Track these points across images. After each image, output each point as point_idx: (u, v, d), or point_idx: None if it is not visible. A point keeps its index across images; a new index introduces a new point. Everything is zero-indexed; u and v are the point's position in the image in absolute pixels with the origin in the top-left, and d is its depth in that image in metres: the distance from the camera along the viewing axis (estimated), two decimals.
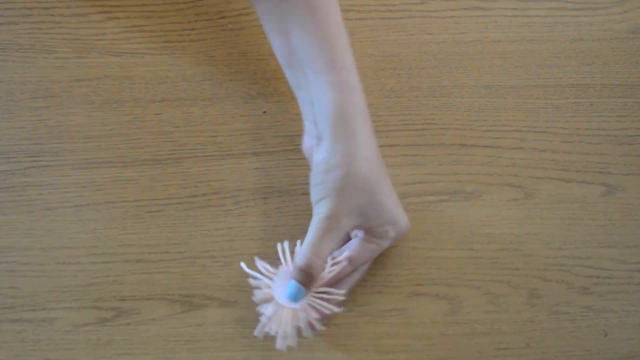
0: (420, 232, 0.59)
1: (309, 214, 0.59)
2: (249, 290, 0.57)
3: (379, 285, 0.58)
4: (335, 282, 0.54)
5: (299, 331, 0.51)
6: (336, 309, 0.52)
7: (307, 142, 0.55)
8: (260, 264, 0.53)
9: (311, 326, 0.52)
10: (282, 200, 0.60)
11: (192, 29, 0.67)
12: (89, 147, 0.62)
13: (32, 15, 0.66)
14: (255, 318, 0.57)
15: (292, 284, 0.51)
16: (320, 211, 0.52)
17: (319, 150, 0.53)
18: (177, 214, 0.60)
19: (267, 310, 0.52)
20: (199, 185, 0.61)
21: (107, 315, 0.57)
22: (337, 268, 0.53)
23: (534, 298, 0.57)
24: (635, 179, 0.61)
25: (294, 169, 0.61)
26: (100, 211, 0.60)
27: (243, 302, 0.57)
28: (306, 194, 0.60)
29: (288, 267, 0.52)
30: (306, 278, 0.51)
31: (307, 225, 0.59)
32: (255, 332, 0.52)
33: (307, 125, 0.55)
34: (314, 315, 0.51)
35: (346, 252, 0.54)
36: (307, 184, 0.61)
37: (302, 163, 0.61)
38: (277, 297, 0.51)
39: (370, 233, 0.54)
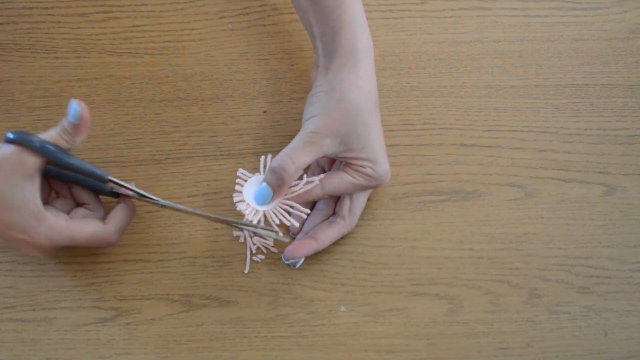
0: (420, 232, 0.59)
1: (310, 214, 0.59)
2: (249, 290, 0.58)
3: (379, 285, 0.58)
4: (304, 205, 0.56)
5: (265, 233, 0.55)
6: (295, 224, 0.57)
7: (314, 72, 0.59)
8: (240, 171, 0.56)
9: (274, 232, 0.55)
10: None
11: (192, 29, 0.67)
12: (88, 147, 0.62)
13: (32, 15, 0.66)
14: (256, 318, 0.57)
15: (261, 186, 0.54)
16: (309, 125, 0.55)
17: (323, 76, 0.56)
18: (177, 214, 0.60)
19: (240, 209, 0.55)
20: (199, 185, 0.61)
21: (107, 315, 0.57)
22: (308, 186, 0.55)
23: (534, 298, 0.58)
24: (635, 179, 0.61)
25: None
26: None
27: (243, 302, 0.57)
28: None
29: (262, 175, 0.56)
30: (276, 180, 0.54)
31: None
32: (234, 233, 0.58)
33: (317, 58, 0.58)
34: (276, 220, 0.55)
35: (322, 175, 0.56)
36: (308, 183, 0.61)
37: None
38: (247, 198, 0.55)
39: (349, 165, 0.56)
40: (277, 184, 0.54)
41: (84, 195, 0.56)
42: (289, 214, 0.56)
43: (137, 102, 0.64)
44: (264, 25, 0.67)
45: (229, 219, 0.56)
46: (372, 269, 0.58)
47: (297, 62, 0.65)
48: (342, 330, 0.56)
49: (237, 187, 0.56)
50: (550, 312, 0.57)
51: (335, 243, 0.59)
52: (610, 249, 0.59)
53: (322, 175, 0.56)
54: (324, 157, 0.56)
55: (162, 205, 0.56)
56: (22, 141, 0.51)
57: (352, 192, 0.57)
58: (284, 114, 0.63)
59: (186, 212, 0.56)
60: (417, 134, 0.63)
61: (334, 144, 0.54)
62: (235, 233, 0.59)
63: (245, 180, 0.56)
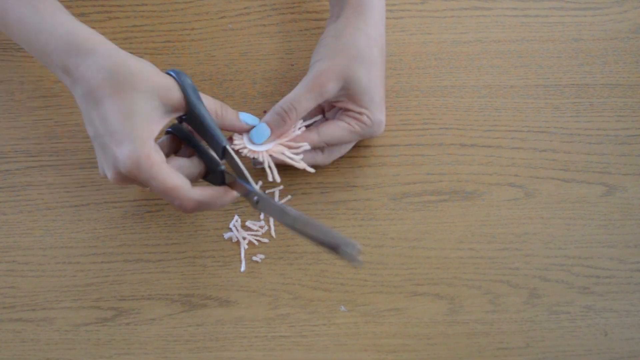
0: (420, 232, 0.59)
1: (309, 214, 0.59)
2: (249, 290, 0.58)
3: (379, 285, 0.58)
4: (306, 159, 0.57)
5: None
6: (297, 159, 0.55)
7: (329, 19, 0.60)
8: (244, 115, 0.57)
9: (271, 169, 0.55)
10: (283, 200, 0.60)
11: (192, 29, 0.67)
12: (88, 147, 0.62)
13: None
14: (256, 318, 0.57)
15: (260, 125, 0.56)
16: (314, 68, 0.56)
17: (333, 24, 0.58)
18: (177, 214, 0.60)
19: (235, 146, 0.55)
20: (198, 185, 0.61)
21: (107, 315, 0.57)
22: (305, 130, 0.56)
23: (534, 298, 0.57)
24: (635, 179, 0.61)
25: (294, 169, 0.61)
26: (100, 211, 0.60)
27: (243, 302, 0.57)
28: (306, 193, 0.60)
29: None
30: (276, 121, 0.55)
31: None
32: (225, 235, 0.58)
33: (331, 9, 0.61)
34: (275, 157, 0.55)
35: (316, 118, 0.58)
36: (308, 183, 0.61)
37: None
38: (246, 138, 0.56)
39: (346, 113, 0.57)
40: (276, 125, 0.55)
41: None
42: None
43: None
44: (264, 25, 0.67)
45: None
46: (372, 269, 0.58)
47: (297, 62, 0.65)
48: (342, 330, 0.56)
49: (235, 140, 0.56)
50: (550, 312, 0.57)
51: None
52: (610, 249, 0.59)
53: (317, 118, 0.58)
54: (325, 102, 0.57)
55: (259, 201, 0.52)
56: (179, 78, 0.52)
57: (347, 140, 0.58)
58: None
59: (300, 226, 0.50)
60: (417, 134, 0.63)
61: (336, 88, 0.56)
62: (226, 235, 0.59)
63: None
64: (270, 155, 0.56)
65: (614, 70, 0.65)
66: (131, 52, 0.65)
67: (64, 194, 0.60)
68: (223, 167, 0.53)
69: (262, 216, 0.59)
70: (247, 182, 0.52)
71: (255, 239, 0.59)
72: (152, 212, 0.60)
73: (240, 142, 0.56)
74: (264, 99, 0.64)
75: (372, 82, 0.56)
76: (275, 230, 0.59)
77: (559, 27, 0.67)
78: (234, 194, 0.53)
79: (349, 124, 0.57)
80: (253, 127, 0.56)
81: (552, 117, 0.64)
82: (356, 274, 0.58)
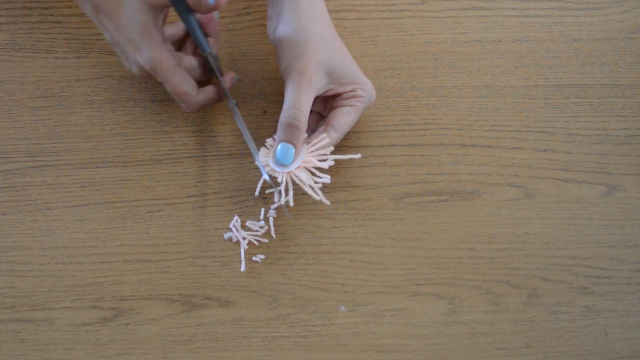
0: (420, 232, 0.59)
1: (310, 213, 0.60)
2: (249, 290, 0.58)
3: (379, 285, 0.58)
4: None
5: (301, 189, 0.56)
6: (327, 178, 0.55)
7: (270, 26, 0.60)
8: (268, 142, 0.58)
9: (311, 184, 0.55)
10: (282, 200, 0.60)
11: None
12: (88, 147, 0.62)
13: (32, 15, 0.66)
14: (256, 318, 0.57)
15: (278, 146, 0.55)
16: (291, 71, 0.56)
17: (280, 24, 0.58)
18: (177, 214, 0.60)
19: (266, 176, 0.56)
20: (199, 185, 0.61)
21: (107, 315, 0.57)
22: (324, 141, 0.56)
23: (534, 298, 0.58)
24: (635, 179, 0.61)
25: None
26: (100, 211, 0.60)
27: (243, 302, 0.57)
28: (307, 193, 0.60)
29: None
30: (291, 133, 0.55)
31: (309, 224, 0.59)
32: (225, 235, 0.58)
33: (269, 10, 0.61)
34: (308, 170, 0.56)
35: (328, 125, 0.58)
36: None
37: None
38: (272, 163, 0.56)
39: (342, 97, 0.58)
40: (294, 137, 0.55)
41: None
42: (312, 174, 0.57)
43: (137, 102, 0.64)
44: (264, 25, 0.67)
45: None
46: (372, 269, 0.58)
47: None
48: (342, 330, 0.56)
49: (260, 159, 0.57)
50: (550, 312, 0.57)
51: (336, 243, 0.59)
52: (610, 249, 0.59)
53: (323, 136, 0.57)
54: (316, 96, 0.57)
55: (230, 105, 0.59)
56: None
57: (356, 120, 0.59)
58: None
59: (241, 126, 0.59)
60: (417, 134, 0.63)
61: (321, 78, 0.56)
62: (226, 235, 0.59)
63: (266, 156, 0.57)
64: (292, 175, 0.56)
65: (614, 70, 0.65)
66: None
67: (64, 194, 0.60)
68: (214, 56, 0.59)
69: (262, 216, 0.59)
70: (223, 87, 0.59)
71: (255, 239, 0.59)
72: (152, 212, 0.60)
73: (269, 169, 0.56)
74: (264, 99, 0.64)
75: (344, 59, 0.58)
76: (275, 231, 0.59)
77: (559, 27, 0.67)
78: (221, 95, 0.60)
79: (351, 105, 0.58)
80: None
81: (552, 117, 0.64)
82: (356, 274, 0.58)
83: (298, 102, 0.55)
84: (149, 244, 0.59)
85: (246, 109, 0.63)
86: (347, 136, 0.62)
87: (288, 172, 0.55)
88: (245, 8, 0.67)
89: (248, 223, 0.59)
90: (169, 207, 0.60)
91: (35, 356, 0.56)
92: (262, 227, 0.59)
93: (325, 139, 0.56)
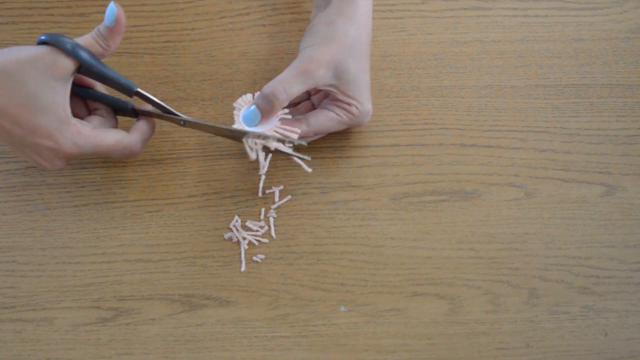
0: (420, 232, 0.59)
1: (309, 214, 0.60)
2: (249, 290, 0.58)
3: (379, 285, 0.58)
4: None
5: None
6: (294, 136, 0.56)
7: (314, 11, 0.61)
8: (245, 96, 0.58)
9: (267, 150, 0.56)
10: (282, 200, 0.60)
11: (192, 29, 0.67)
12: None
13: (32, 15, 0.66)
14: (256, 318, 0.57)
15: (250, 108, 0.56)
16: (306, 53, 0.56)
17: (322, 12, 0.58)
18: (177, 214, 0.60)
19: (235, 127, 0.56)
20: (199, 185, 0.61)
21: (107, 315, 0.57)
22: (294, 120, 0.57)
23: (534, 298, 0.58)
24: (635, 179, 0.61)
25: (294, 169, 0.61)
26: (100, 211, 0.60)
27: (243, 302, 0.57)
28: (307, 193, 0.60)
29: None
30: (265, 104, 0.55)
31: (309, 224, 0.60)
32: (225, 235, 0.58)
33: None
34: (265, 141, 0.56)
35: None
36: (308, 183, 0.61)
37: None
38: (239, 118, 0.56)
39: (335, 102, 0.58)
40: (266, 109, 0.56)
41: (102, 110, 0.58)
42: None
43: (137, 102, 0.64)
44: (264, 25, 0.67)
45: (242, 129, 0.56)
46: (372, 269, 0.58)
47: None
48: (342, 330, 0.56)
49: (235, 111, 0.57)
50: (550, 312, 0.57)
51: (336, 243, 0.59)
52: (610, 249, 0.59)
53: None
54: (313, 88, 0.57)
55: (184, 123, 0.57)
56: (55, 42, 0.51)
57: (335, 129, 0.59)
58: None
59: (208, 126, 0.57)
60: (417, 134, 0.63)
61: (327, 76, 0.56)
62: (226, 235, 0.59)
63: (245, 105, 0.57)
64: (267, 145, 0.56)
65: (614, 70, 0.65)
66: (131, 52, 0.65)
67: (64, 194, 0.60)
68: (132, 104, 0.58)
69: (262, 216, 0.59)
70: (171, 111, 0.57)
71: (255, 239, 0.59)
72: (152, 212, 0.60)
73: (237, 125, 0.56)
74: None
75: (361, 71, 0.57)
76: (275, 231, 0.59)
77: (559, 27, 0.67)
78: (154, 119, 0.59)
79: (337, 114, 0.58)
80: (115, 18, 0.53)
81: (552, 117, 0.64)
82: (356, 274, 0.58)
83: (289, 82, 0.55)
84: (149, 244, 0.59)
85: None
86: (347, 136, 0.62)
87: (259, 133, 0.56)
88: (245, 8, 0.68)
89: (248, 223, 0.59)
90: (169, 207, 0.60)
91: (35, 356, 0.56)
92: (262, 227, 0.59)
93: (295, 131, 0.56)
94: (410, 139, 0.63)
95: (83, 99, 0.58)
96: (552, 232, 0.60)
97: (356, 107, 0.58)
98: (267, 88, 0.55)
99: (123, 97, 0.58)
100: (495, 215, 0.60)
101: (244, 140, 0.56)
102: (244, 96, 0.58)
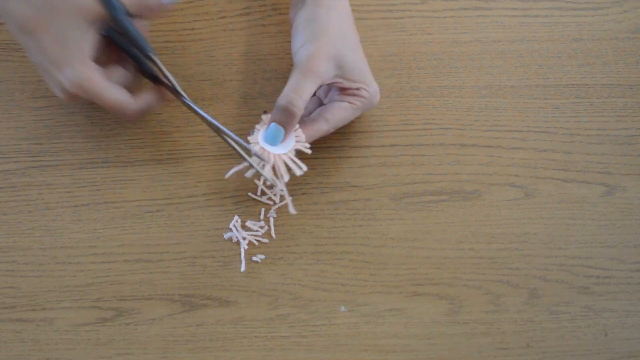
0: (420, 232, 0.59)
1: (309, 214, 0.60)
2: (249, 290, 0.58)
3: (379, 285, 0.58)
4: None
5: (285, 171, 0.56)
6: (304, 167, 0.56)
7: (292, 11, 0.61)
8: (265, 116, 0.57)
9: (293, 166, 0.56)
10: (282, 201, 0.60)
11: (192, 29, 0.67)
12: (89, 147, 0.62)
13: None
14: (256, 318, 0.57)
15: (270, 126, 0.55)
16: (302, 54, 0.56)
17: (301, 9, 0.59)
18: (177, 214, 0.60)
19: (254, 150, 0.55)
20: (199, 185, 0.61)
21: (107, 315, 0.57)
22: (313, 120, 0.57)
23: (534, 298, 0.58)
24: (635, 179, 0.61)
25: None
26: (100, 211, 0.60)
27: (243, 302, 0.57)
28: (307, 193, 0.60)
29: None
30: (286, 117, 0.55)
31: (309, 224, 0.60)
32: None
33: None
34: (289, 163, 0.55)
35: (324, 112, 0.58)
36: (308, 184, 0.61)
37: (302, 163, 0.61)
38: (260, 141, 0.56)
39: (345, 92, 0.58)
40: (286, 121, 0.55)
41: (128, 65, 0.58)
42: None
43: None
44: (264, 25, 0.67)
45: (232, 135, 0.56)
46: (372, 269, 0.58)
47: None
48: (342, 331, 0.56)
49: (251, 136, 0.56)
50: (550, 312, 0.57)
51: (336, 243, 0.59)
52: (610, 249, 0.59)
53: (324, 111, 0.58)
54: (322, 85, 0.57)
55: (184, 102, 0.57)
56: None
57: (352, 118, 0.59)
58: None
59: (202, 118, 0.57)
60: (417, 134, 0.63)
61: (330, 68, 0.56)
62: (226, 235, 0.59)
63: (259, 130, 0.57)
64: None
65: (614, 70, 0.65)
66: None
67: (64, 194, 0.60)
68: (153, 70, 0.58)
69: (262, 216, 0.59)
70: (175, 87, 0.57)
71: (255, 239, 0.59)
72: (152, 212, 0.60)
73: (257, 146, 0.56)
74: (264, 99, 0.64)
75: (357, 55, 0.58)
76: (275, 231, 0.59)
77: (559, 27, 0.67)
78: (167, 93, 0.58)
79: (350, 102, 0.58)
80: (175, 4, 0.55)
81: (552, 117, 0.64)
82: (356, 274, 0.58)
83: (300, 88, 0.55)
84: (149, 244, 0.59)
85: (246, 109, 0.63)
86: (347, 136, 0.62)
87: (276, 154, 0.55)
88: (245, 8, 0.68)
89: (248, 223, 0.59)
90: (169, 207, 0.60)
91: (35, 356, 0.56)
92: (262, 227, 0.59)
93: (306, 146, 0.56)
94: (410, 139, 0.63)
95: (117, 49, 0.58)
96: (552, 232, 0.60)
97: (365, 90, 0.58)
98: (281, 100, 0.55)
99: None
100: (495, 215, 0.60)
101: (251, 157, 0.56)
102: (260, 122, 0.57)
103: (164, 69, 0.57)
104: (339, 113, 0.58)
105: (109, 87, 0.55)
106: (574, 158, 0.62)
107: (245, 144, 0.55)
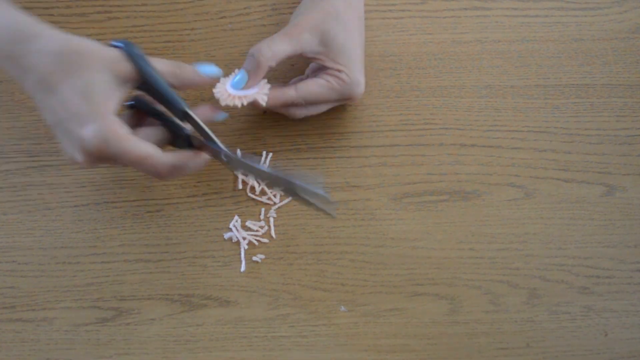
0: (420, 232, 0.59)
1: (309, 214, 0.60)
2: (249, 290, 0.58)
3: (379, 285, 0.58)
4: (282, 108, 0.58)
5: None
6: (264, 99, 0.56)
7: None
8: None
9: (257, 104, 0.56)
10: (282, 200, 0.60)
11: (192, 29, 0.67)
12: None
13: (32, 15, 0.66)
14: (256, 318, 0.57)
15: (238, 72, 0.56)
16: (291, 22, 0.58)
17: None
18: (177, 214, 0.60)
19: (217, 95, 0.56)
20: (199, 185, 0.61)
21: (107, 315, 0.57)
22: (283, 85, 0.57)
23: (534, 298, 0.58)
24: (635, 179, 0.61)
25: (293, 169, 0.61)
26: (100, 211, 0.60)
27: (243, 302, 0.57)
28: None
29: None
30: (252, 65, 0.56)
31: (309, 224, 0.60)
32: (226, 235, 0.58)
33: None
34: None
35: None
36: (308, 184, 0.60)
37: (302, 163, 0.61)
38: (226, 85, 0.56)
39: (325, 70, 0.58)
40: (253, 68, 0.56)
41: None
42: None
43: None
44: (264, 25, 0.67)
45: (296, 181, 0.51)
46: (372, 269, 0.58)
47: (297, 62, 0.65)
48: (342, 330, 0.56)
49: (218, 83, 0.56)
50: (550, 312, 0.57)
51: (336, 243, 0.59)
52: (610, 249, 0.59)
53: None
54: (302, 54, 0.57)
55: (227, 160, 0.53)
56: (127, 47, 0.51)
57: (325, 97, 0.58)
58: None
59: (254, 169, 0.53)
60: (417, 134, 0.63)
61: (313, 41, 0.57)
62: (226, 235, 0.59)
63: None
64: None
65: (614, 70, 0.65)
66: None
67: (64, 194, 0.60)
68: (188, 131, 0.53)
69: (262, 216, 0.59)
70: (214, 142, 0.53)
71: (255, 239, 0.59)
72: (152, 212, 0.60)
73: (221, 90, 0.56)
74: None
75: (349, 41, 0.58)
76: (275, 231, 0.59)
77: (559, 27, 0.67)
78: (205, 156, 0.53)
79: (327, 80, 0.58)
80: (216, 79, 0.55)
81: (552, 117, 0.64)
82: (356, 274, 0.58)
83: (274, 42, 0.56)
84: (149, 244, 0.59)
85: (246, 109, 0.63)
86: (347, 136, 0.62)
87: (234, 95, 0.56)
88: (245, 8, 0.68)
89: (248, 223, 0.59)
90: (169, 207, 0.60)
91: (35, 356, 0.56)
92: (262, 227, 0.59)
93: (265, 93, 0.57)
94: (410, 139, 0.63)
95: (145, 116, 0.55)
96: (552, 232, 0.60)
97: (346, 74, 0.57)
98: (252, 49, 0.56)
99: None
100: (495, 215, 0.60)
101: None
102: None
103: (201, 123, 0.52)
104: (311, 86, 0.58)
105: (136, 140, 0.50)
106: (574, 158, 0.62)
107: (313, 188, 0.51)
